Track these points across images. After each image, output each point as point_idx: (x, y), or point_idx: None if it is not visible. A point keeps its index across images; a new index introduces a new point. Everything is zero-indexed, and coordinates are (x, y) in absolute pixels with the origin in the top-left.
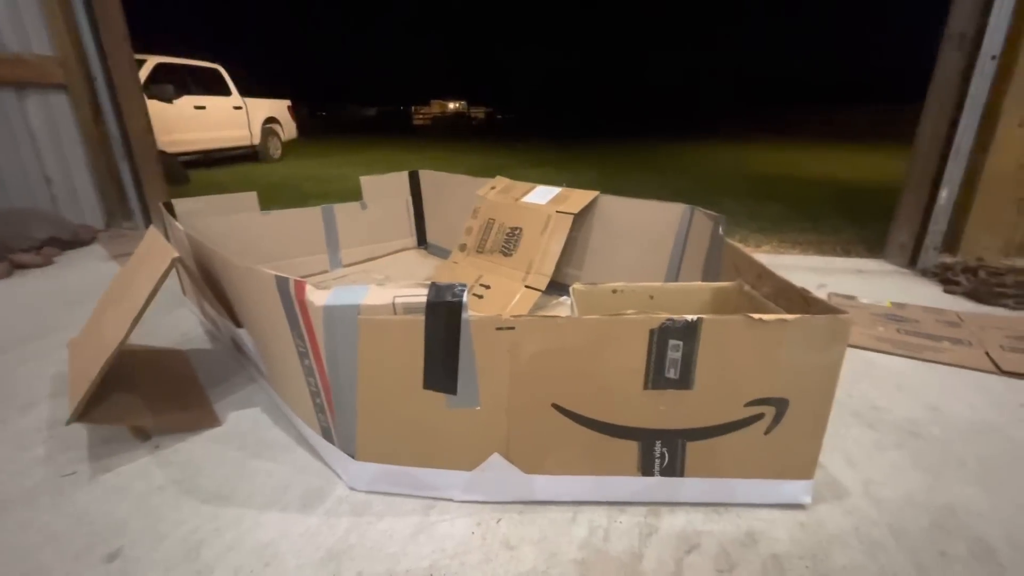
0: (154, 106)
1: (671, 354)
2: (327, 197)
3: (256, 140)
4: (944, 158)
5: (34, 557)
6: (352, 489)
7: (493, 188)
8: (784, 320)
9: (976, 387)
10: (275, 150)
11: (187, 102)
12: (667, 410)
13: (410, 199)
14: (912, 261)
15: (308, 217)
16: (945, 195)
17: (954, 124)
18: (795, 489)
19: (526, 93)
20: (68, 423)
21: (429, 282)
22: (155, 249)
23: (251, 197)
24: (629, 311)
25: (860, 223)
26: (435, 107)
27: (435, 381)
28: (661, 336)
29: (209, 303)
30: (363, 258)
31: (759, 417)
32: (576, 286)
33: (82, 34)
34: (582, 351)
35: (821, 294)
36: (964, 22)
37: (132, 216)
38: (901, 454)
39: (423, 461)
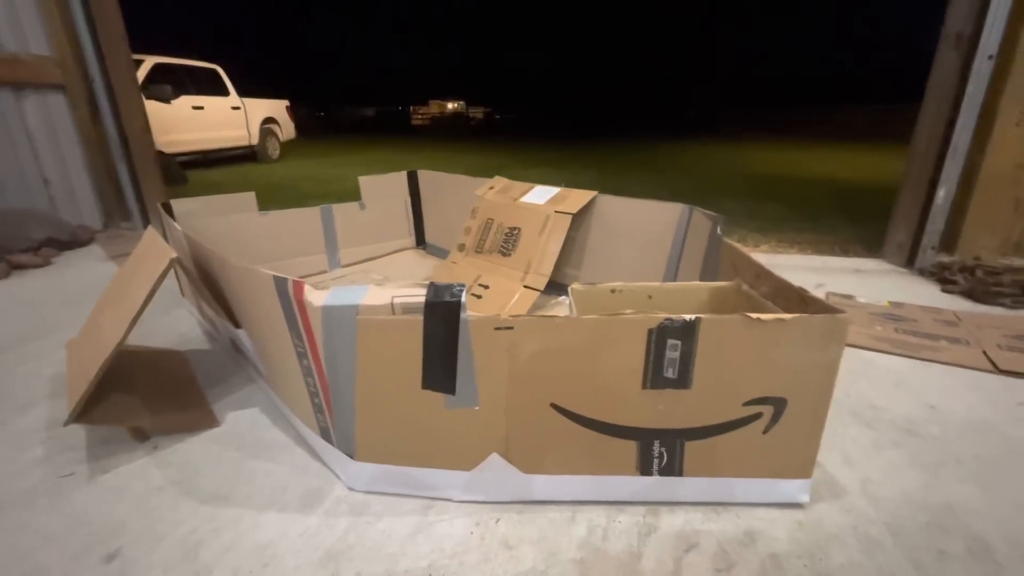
0: (152, 106)
1: (669, 354)
2: (326, 197)
3: (254, 140)
4: (941, 158)
5: (32, 558)
6: (351, 489)
7: (492, 188)
8: (782, 319)
9: (973, 386)
10: (273, 150)
11: (185, 102)
12: (665, 409)
13: (409, 199)
14: (910, 260)
15: (306, 217)
16: (942, 195)
17: (951, 124)
18: (793, 488)
19: (525, 93)
20: (66, 424)
21: (428, 282)
22: (153, 250)
23: (249, 197)
24: (627, 311)
25: (858, 223)
26: (433, 107)
27: (434, 381)
28: (659, 336)
29: (207, 303)
30: (362, 258)
31: (757, 416)
32: (575, 286)
33: (80, 34)
34: (581, 351)
35: (819, 293)
36: (961, 22)
37: (130, 216)
38: (899, 453)
39: (422, 461)
